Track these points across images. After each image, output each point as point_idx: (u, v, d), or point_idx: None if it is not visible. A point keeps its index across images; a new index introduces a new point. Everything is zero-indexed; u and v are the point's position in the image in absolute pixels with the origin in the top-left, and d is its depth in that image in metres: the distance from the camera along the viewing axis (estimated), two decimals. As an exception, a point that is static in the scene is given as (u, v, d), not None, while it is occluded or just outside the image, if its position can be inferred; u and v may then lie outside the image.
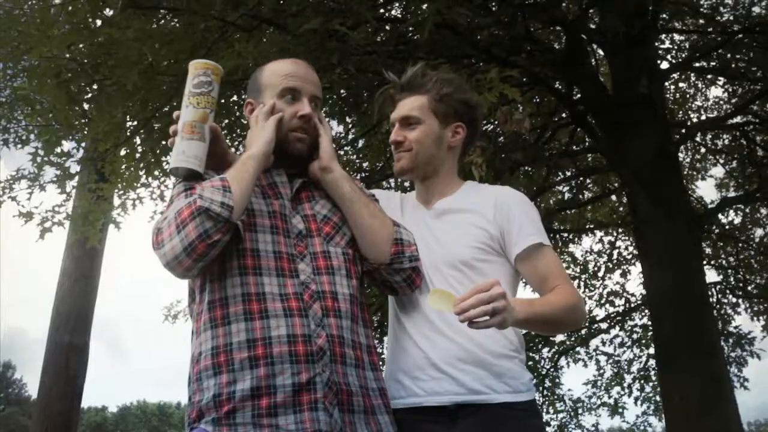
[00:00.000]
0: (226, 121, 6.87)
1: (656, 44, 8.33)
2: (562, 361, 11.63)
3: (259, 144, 1.85)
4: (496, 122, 5.29)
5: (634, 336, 11.56)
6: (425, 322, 2.01)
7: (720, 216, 10.31)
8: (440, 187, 2.21)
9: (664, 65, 8.73)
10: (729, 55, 8.12)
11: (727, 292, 10.85)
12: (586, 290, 11.72)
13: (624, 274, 11.45)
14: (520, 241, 2.04)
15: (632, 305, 11.38)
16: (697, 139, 10.32)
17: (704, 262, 8.69)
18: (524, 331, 2.24)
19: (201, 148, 1.84)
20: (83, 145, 6.57)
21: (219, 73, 1.91)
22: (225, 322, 1.74)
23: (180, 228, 1.68)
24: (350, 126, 8.24)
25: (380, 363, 1.94)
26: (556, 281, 2.02)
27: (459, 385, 1.92)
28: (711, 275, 10.58)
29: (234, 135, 6.99)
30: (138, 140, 6.19)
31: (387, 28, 6.10)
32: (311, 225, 1.89)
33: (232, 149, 2.08)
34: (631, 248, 11.21)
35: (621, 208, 10.69)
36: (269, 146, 1.86)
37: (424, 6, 5.61)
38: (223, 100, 6.43)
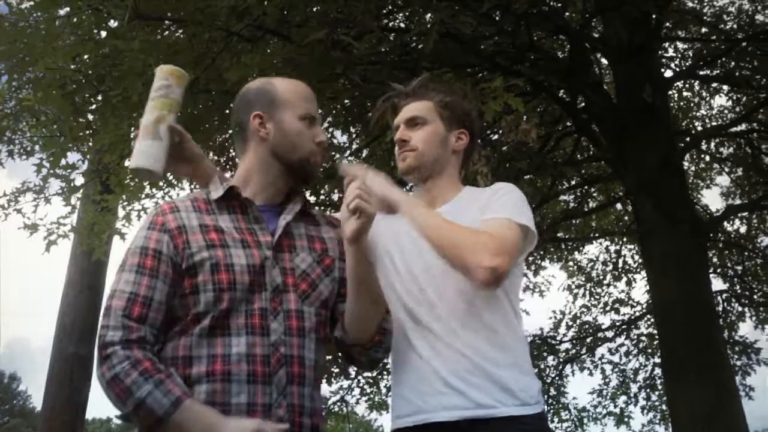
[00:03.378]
0: (229, 131, 6.88)
1: (660, 53, 8.33)
2: (567, 370, 11.59)
3: None
4: (501, 131, 5.29)
5: (640, 345, 11.52)
6: (431, 334, 1.97)
7: (726, 224, 10.29)
8: (443, 191, 2.19)
9: (668, 73, 8.74)
10: (733, 63, 8.13)
11: (733, 300, 10.81)
12: (591, 299, 11.70)
13: (629, 283, 11.43)
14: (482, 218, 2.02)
15: (638, 314, 11.34)
16: (702, 147, 10.30)
17: (710, 271, 8.66)
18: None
19: (157, 146, 1.89)
20: (88, 157, 6.58)
21: (178, 74, 1.96)
22: (188, 382, 1.68)
23: (107, 386, 1.65)
24: (354, 136, 8.24)
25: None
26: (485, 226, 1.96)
27: (468, 399, 1.89)
28: (717, 284, 10.55)
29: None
30: (143, 151, 6.19)
31: (391, 38, 6.11)
32: (288, 279, 1.80)
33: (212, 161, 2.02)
34: (636, 256, 11.19)
35: (626, 217, 10.67)
36: None
37: (428, 16, 5.62)
38: (227, 111, 6.44)
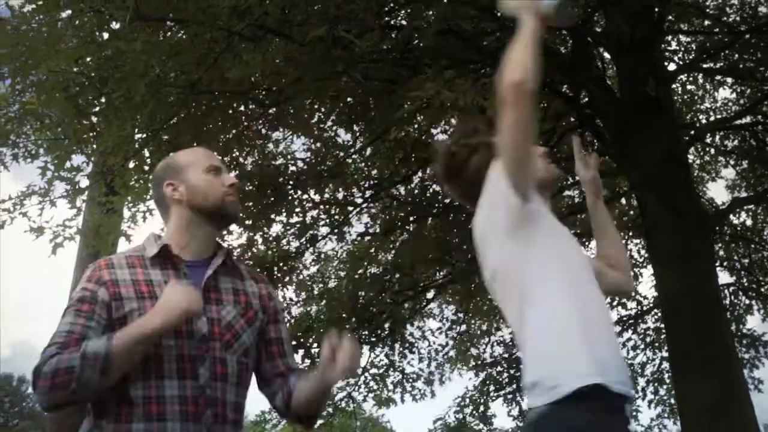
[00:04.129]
0: (234, 131, 6.89)
1: (663, 46, 8.30)
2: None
3: (172, 317, 1.87)
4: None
5: (647, 339, 11.50)
6: (604, 315, 2.06)
7: (732, 217, 10.25)
8: None
9: (671, 67, 8.70)
10: (736, 56, 8.09)
11: (740, 293, 10.78)
12: (598, 294, 11.67)
13: (636, 277, 11.40)
14: None
15: (644, 308, 11.32)
16: (707, 140, 10.27)
17: (716, 264, 8.63)
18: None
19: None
20: (92, 159, 6.60)
21: None
22: (127, 420, 1.85)
23: (50, 390, 1.82)
24: (358, 134, 8.24)
25: None
26: None
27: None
28: (723, 277, 10.52)
29: (239, 144, 7.03)
30: (147, 152, 6.21)
31: (393, 35, 6.11)
32: (214, 329, 1.99)
33: None
34: (642, 251, 11.16)
35: (631, 211, 10.64)
36: (180, 319, 1.88)
37: (430, 13, 5.62)
38: (230, 111, 6.45)
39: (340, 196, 8.38)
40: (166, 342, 1.90)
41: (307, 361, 8.92)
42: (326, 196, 8.25)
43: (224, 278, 2.10)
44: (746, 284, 10.78)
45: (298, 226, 8.10)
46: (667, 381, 11.19)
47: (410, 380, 10.74)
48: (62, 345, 1.86)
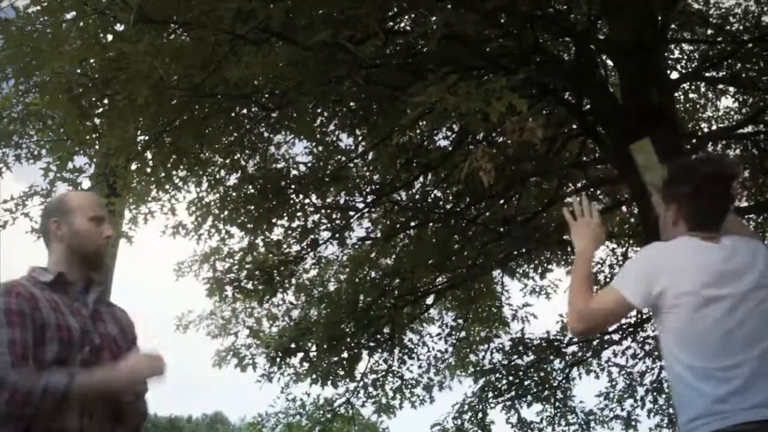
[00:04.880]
0: (236, 134, 6.90)
1: (666, 54, 8.31)
2: (574, 372, 11.56)
3: (137, 382, 2.30)
4: (503, 132, 5.28)
5: (647, 347, 11.48)
6: None
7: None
8: None
9: (674, 75, 8.71)
10: (739, 65, 8.10)
11: (741, 302, 10.74)
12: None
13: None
14: None
15: (644, 316, 11.30)
16: (708, 149, 10.26)
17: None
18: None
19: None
20: (95, 160, 6.61)
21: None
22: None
23: (6, 404, 2.04)
24: (360, 139, 8.25)
25: None
26: None
27: None
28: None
29: (242, 148, 7.02)
30: (149, 155, 6.22)
31: (397, 40, 6.12)
32: (104, 342, 2.34)
33: None
34: (642, 259, 11.13)
35: (632, 219, 10.64)
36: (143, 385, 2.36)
37: (433, 18, 5.62)
38: (233, 114, 6.46)
39: (341, 200, 8.38)
40: (71, 350, 2.20)
41: (306, 364, 8.93)
42: (328, 200, 8.26)
43: (102, 305, 2.46)
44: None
45: (299, 230, 8.11)
46: (667, 390, 11.16)
47: (409, 386, 10.72)
48: (10, 360, 2.08)
